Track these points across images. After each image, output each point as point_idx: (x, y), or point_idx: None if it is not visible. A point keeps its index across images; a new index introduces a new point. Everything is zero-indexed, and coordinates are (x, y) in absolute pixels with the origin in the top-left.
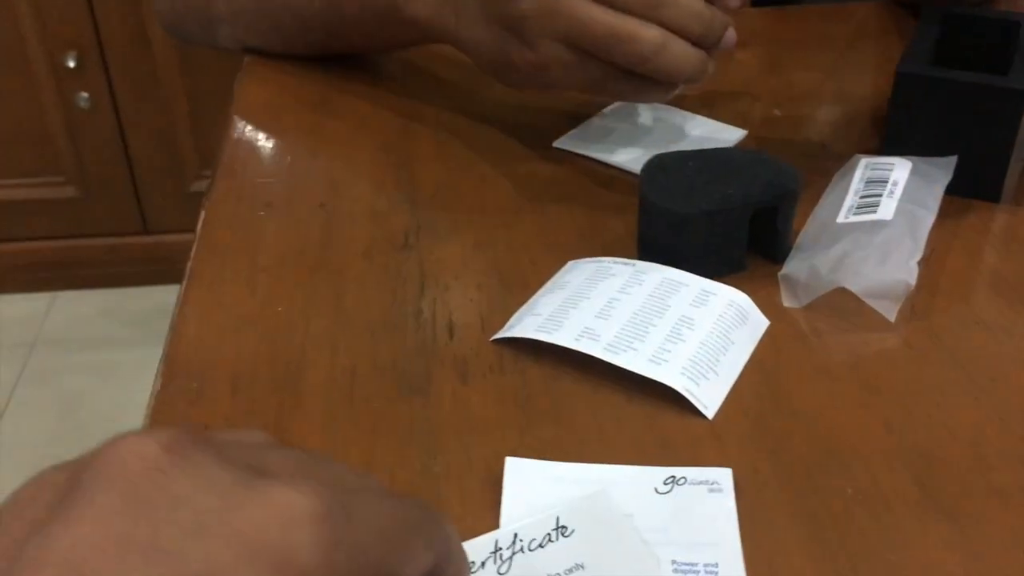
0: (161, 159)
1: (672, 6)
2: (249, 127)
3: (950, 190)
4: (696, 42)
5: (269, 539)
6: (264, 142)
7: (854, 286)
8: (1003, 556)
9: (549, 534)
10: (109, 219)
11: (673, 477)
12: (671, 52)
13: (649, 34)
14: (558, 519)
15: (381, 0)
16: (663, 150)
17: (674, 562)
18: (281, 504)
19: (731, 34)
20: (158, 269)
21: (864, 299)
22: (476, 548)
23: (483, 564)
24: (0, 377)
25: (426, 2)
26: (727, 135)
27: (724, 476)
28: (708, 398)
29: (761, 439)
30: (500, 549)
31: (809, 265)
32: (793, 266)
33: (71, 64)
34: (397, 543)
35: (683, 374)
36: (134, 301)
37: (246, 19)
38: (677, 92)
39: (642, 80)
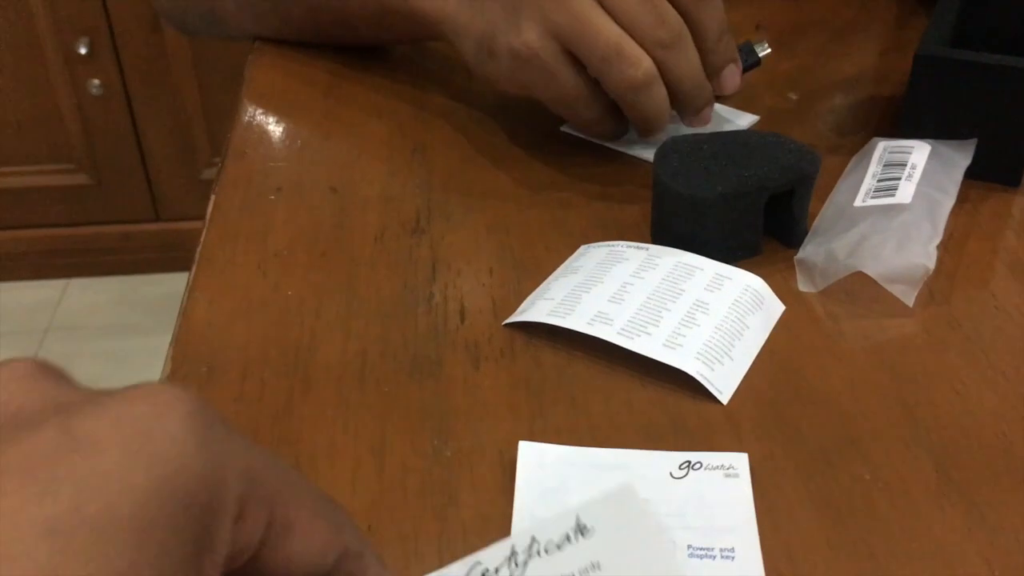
0: (173, 146)
1: (679, 52)
2: (259, 111)
3: (970, 174)
4: (679, 100)
5: (143, 419)
6: (274, 126)
7: (871, 270)
8: (1023, 542)
9: (568, 535)
10: (121, 206)
11: (689, 462)
12: (660, 93)
13: (648, 64)
14: (578, 518)
15: None
16: (674, 135)
17: (690, 547)
18: (156, 393)
19: (705, 115)
20: (171, 256)
21: (882, 284)
22: (492, 556)
23: (497, 570)
24: None
25: None
26: (740, 120)
27: (740, 461)
28: (723, 383)
29: (776, 424)
30: (516, 554)
31: (826, 249)
32: (809, 250)
33: (83, 51)
34: (267, 467)
35: (697, 359)
36: (147, 288)
37: (254, 12)
38: (621, 148)
39: (606, 112)
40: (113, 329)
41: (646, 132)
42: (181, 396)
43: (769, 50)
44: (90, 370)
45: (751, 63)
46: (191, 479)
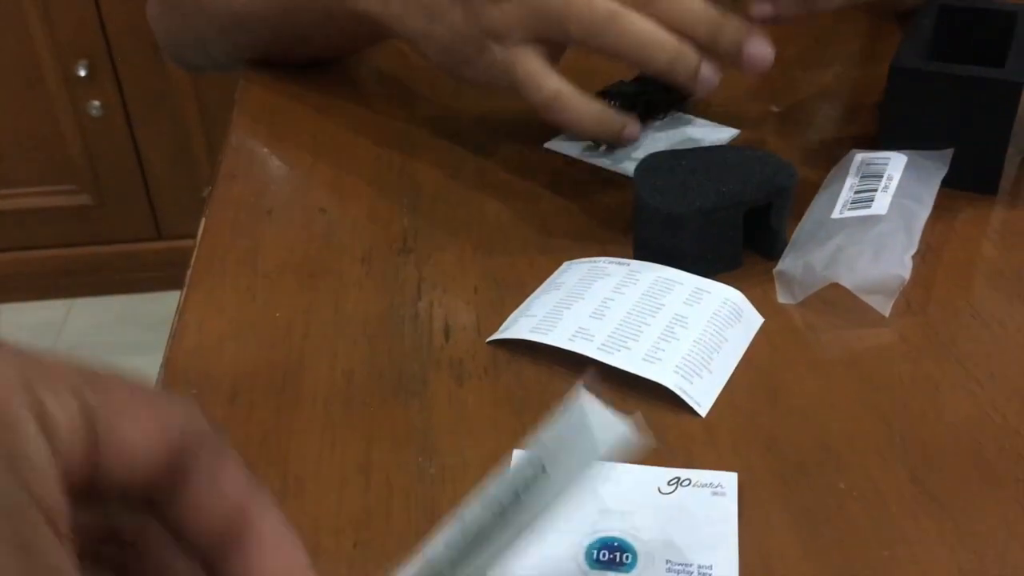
0: (173, 165)
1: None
2: (249, 134)
3: (947, 183)
4: (704, 46)
5: None
6: (264, 149)
7: (848, 281)
8: (999, 550)
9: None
10: (123, 226)
11: (678, 479)
12: (631, 25)
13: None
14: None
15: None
16: (654, 151)
17: (668, 562)
18: None
19: (759, 52)
20: (173, 274)
21: (858, 294)
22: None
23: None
24: None
25: None
26: (719, 134)
27: (729, 480)
28: (701, 396)
29: (755, 436)
30: None
31: (804, 261)
32: (788, 262)
33: (82, 73)
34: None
35: (676, 372)
36: (150, 306)
37: (230, 35)
38: (603, 164)
39: (593, 110)
40: (117, 348)
41: (648, 67)
42: None
43: None
44: None
45: None
46: None
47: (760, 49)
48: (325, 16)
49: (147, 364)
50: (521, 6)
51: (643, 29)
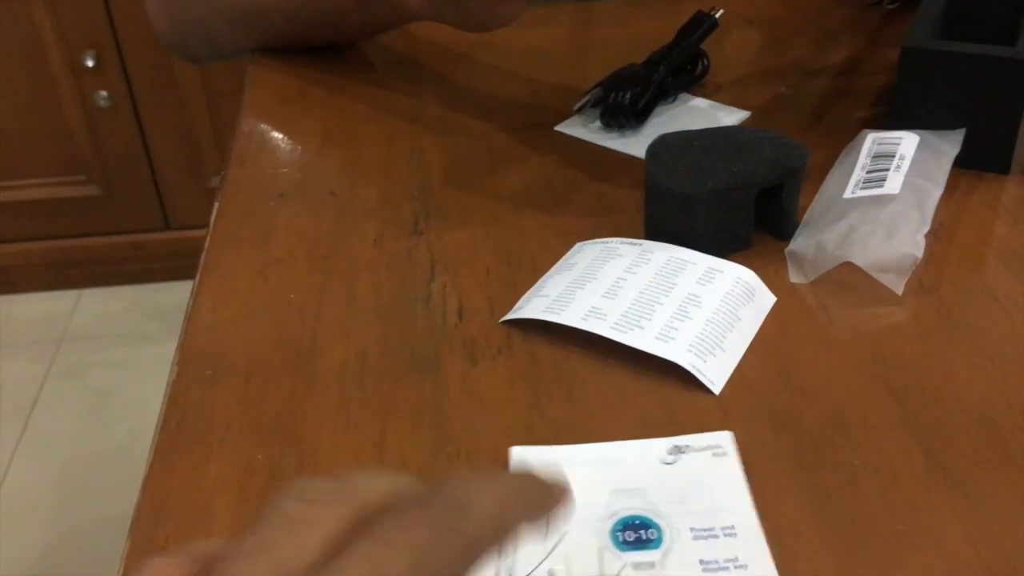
0: (181, 155)
1: None
2: (260, 119)
3: (960, 163)
4: None
5: None
6: (275, 133)
7: (861, 260)
8: (1010, 525)
9: None
10: (131, 216)
11: (677, 446)
12: None
13: None
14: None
15: None
16: (665, 132)
17: (692, 529)
18: None
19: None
20: (181, 264)
21: (871, 273)
22: None
23: None
24: (30, 374)
25: None
26: (730, 116)
27: (726, 439)
28: (714, 374)
29: (768, 413)
30: None
31: (816, 241)
32: (800, 242)
33: (89, 63)
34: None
35: (689, 351)
36: (159, 296)
37: (242, 27)
38: (614, 146)
39: None
40: (126, 338)
41: None
42: None
43: (722, 11)
44: (105, 379)
45: (710, 26)
46: None
47: None
48: (353, 2)
49: (155, 353)
50: None
51: None
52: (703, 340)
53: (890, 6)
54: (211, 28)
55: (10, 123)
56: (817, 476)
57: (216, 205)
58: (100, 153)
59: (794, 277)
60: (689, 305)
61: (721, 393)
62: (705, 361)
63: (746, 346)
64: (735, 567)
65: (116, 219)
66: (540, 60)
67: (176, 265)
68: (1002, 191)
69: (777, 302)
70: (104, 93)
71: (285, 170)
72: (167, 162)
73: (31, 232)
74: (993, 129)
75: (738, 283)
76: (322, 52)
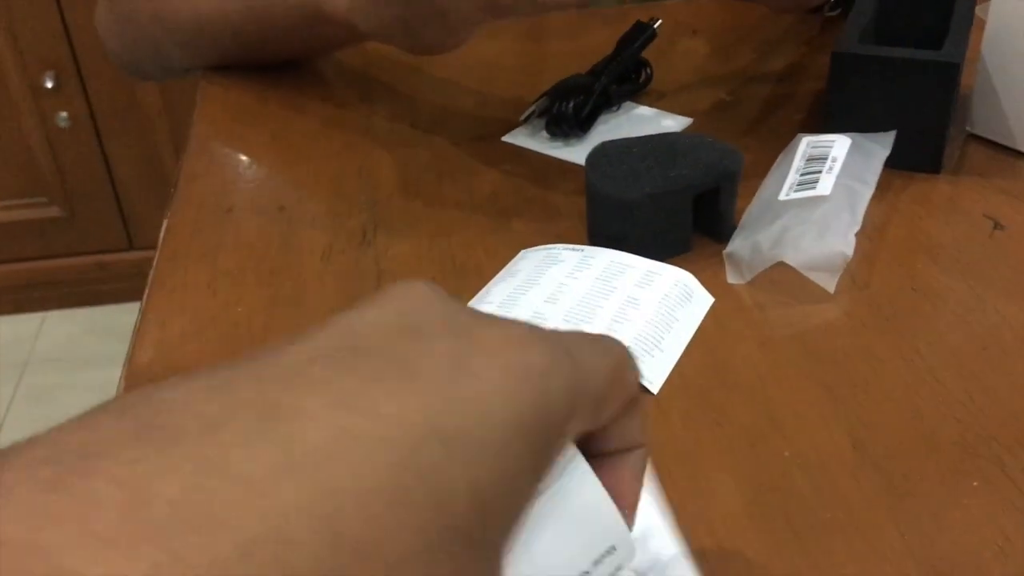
0: (143, 174)
1: None
2: (210, 134)
3: (894, 164)
4: None
5: (511, 351)
6: (225, 148)
7: (793, 260)
8: (936, 513)
9: None
10: (95, 237)
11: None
12: None
13: None
14: None
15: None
16: (605, 140)
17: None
18: (514, 329)
19: None
20: (146, 284)
21: (803, 272)
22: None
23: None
24: None
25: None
26: (673, 123)
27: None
28: (653, 374)
29: (704, 411)
30: None
31: (752, 242)
32: (737, 244)
33: (49, 85)
34: (613, 373)
35: None
36: (125, 316)
37: (192, 47)
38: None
39: None
40: (93, 359)
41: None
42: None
43: (660, 21)
44: (74, 401)
45: (649, 36)
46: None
47: None
48: (302, 20)
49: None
50: None
51: None
52: (642, 341)
53: (830, 13)
54: (162, 48)
55: None
56: (750, 469)
57: (165, 222)
58: (62, 174)
59: (731, 278)
60: (628, 307)
61: (660, 392)
62: (644, 361)
63: (684, 346)
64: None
65: (79, 239)
66: (489, 72)
67: (140, 285)
68: (932, 190)
69: (715, 303)
70: (64, 114)
71: (234, 185)
72: (130, 181)
73: None
74: (923, 130)
75: (676, 285)
76: (273, 67)
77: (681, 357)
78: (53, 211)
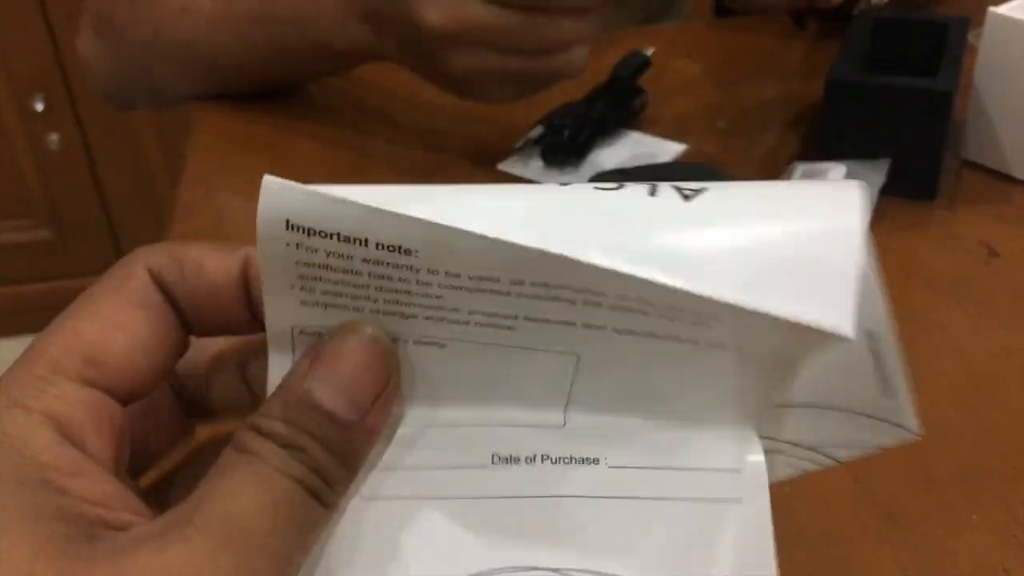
0: (135, 197)
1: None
2: (205, 164)
3: (889, 191)
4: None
5: None
6: (221, 178)
7: None
8: (937, 548)
9: None
10: (86, 260)
11: None
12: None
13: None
14: None
15: (313, 38)
16: (604, 169)
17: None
18: None
19: None
20: None
21: None
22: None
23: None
24: None
25: (354, 34)
26: (668, 150)
27: None
28: None
29: None
30: None
31: None
32: None
33: (39, 107)
34: None
35: None
36: None
37: (189, 74)
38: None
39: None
40: None
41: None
42: None
43: (653, 49)
44: None
45: (642, 64)
46: None
47: None
48: (310, 52)
49: None
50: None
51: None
52: None
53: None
54: (156, 76)
55: None
56: None
57: None
58: (52, 197)
59: None
60: None
61: None
62: None
63: None
64: None
65: (70, 263)
66: None
67: None
68: (928, 217)
69: None
70: (55, 136)
71: (231, 217)
72: (121, 204)
73: None
74: (918, 157)
75: None
76: (266, 97)
77: None
78: (43, 234)
